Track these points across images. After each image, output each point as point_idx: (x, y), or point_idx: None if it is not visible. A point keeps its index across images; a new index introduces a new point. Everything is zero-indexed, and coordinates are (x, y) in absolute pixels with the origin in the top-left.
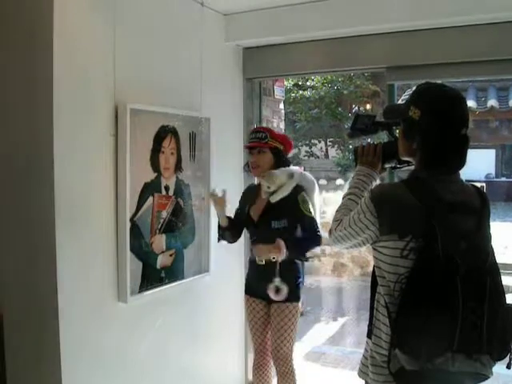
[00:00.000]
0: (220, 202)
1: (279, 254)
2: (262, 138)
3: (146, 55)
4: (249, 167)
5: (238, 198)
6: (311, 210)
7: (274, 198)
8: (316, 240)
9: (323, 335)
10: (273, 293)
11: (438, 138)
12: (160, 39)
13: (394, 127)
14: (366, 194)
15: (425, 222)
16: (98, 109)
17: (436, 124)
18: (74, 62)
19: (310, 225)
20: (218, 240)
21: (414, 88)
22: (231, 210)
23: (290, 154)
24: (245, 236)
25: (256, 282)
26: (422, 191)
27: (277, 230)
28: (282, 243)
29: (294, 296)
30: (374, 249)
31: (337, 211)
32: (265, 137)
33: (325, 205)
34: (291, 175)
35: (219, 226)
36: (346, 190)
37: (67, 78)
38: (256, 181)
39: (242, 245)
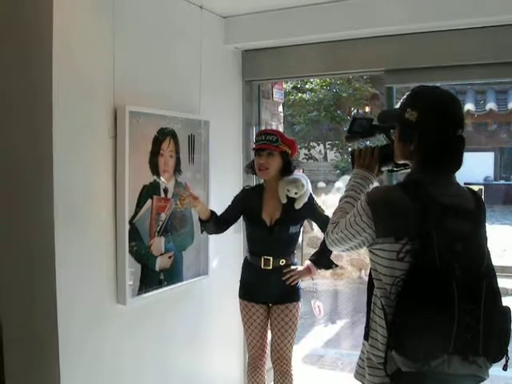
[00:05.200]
0: (195, 200)
1: (310, 275)
2: (273, 141)
3: (146, 58)
4: (251, 168)
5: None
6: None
7: (298, 205)
8: None
9: (321, 338)
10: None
11: (436, 138)
12: (159, 42)
13: (392, 130)
14: (362, 197)
15: (420, 224)
16: (97, 111)
17: (433, 125)
18: (73, 65)
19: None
20: (201, 231)
21: (408, 92)
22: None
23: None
24: (243, 239)
25: (258, 287)
26: (417, 194)
27: (292, 235)
28: (313, 268)
29: (294, 296)
30: (371, 251)
31: (333, 214)
32: (276, 140)
33: (325, 207)
34: (307, 181)
35: (200, 220)
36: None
37: (66, 80)
38: (254, 182)
39: (240, 247)
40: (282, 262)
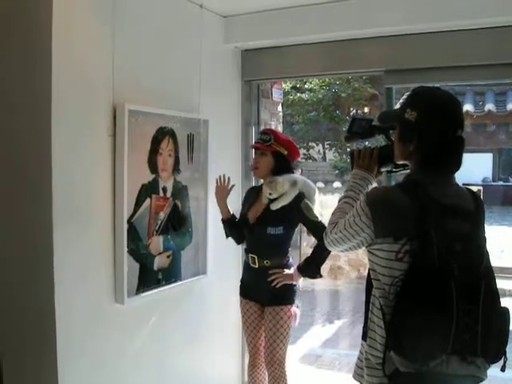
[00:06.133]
0: (221, 193)
1: (292, 281)
2: (266, 141)
3: (145, 56)
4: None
5: (236, 201)
6: (317, 215)
7: (275, 206)
8: None
9: (319, 338)
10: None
11: (435, 138)
12: (159, 41)
13: (391, 131)
14: (361, 197)
15: (419, 224)
16: (97, 109)
17: (432, 125)
18: (72, 63)
19: (321, 229)
20: (227, 236)
21: (408, 92)
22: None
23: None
24: None
25: (251, 285)
26: (416, 194)
27: (271, 236)
28: (296, 276)
29: (288, 300)
30: (369, 251)
31: (332, 214)
32: (268, 139)
33: (322, 208)
34: (294, 183)
35: (222, 221)
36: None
37: (66, 78)
38: (258, 182)
39: (239, 246)
40: (267, 262)
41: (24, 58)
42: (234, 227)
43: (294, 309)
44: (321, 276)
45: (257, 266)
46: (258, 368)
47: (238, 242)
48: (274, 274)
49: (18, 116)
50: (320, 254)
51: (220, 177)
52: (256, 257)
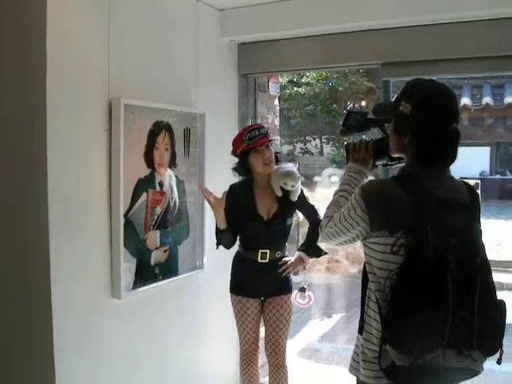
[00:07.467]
0: (220, 204)
1: (302, 264)
2: (267, 134)
3: (141, 50)
4: (238, 171)
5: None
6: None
7: (295, 197)
8: None
9: (317, 332)
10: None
11: (430, 131)
12: (155, 34)
13: (386, 124)
14: (356, 191)
15: (415, 218)
16: (92, 104)
17: (427, 117)
18: (67, 57)
19: (316, 212)
20: (217, 246)
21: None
22: None
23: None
24: None
25: (252, 281)
26: (412, 187)
27: (288, 227)
28: (305, 257)
29: (288, 288)
30: (365, 245)
31: (327, 208)
32: (268, 131)
33: (321, 202)
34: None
35: (217, 230)
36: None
37: (61, 72)
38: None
39: (236, 241)
40: (278, 254)
41: (18, 52)
42: (228, 234)
43: (310, 293)
44: (326, 253)
45: (267, 261)
46: (253, 364)
47: (229, 247)
48: (285, 264)
49: (12, 111)
50: (316, 234)
51: (201, 190)
52: (268, 251)
